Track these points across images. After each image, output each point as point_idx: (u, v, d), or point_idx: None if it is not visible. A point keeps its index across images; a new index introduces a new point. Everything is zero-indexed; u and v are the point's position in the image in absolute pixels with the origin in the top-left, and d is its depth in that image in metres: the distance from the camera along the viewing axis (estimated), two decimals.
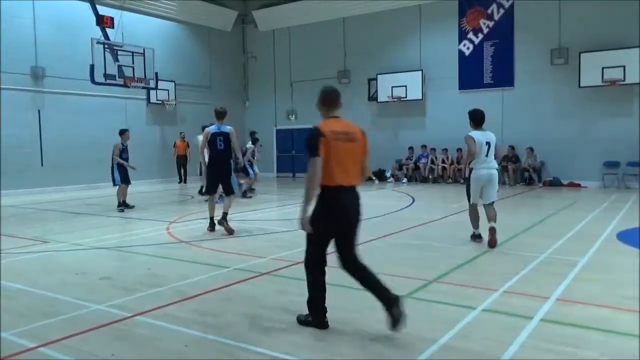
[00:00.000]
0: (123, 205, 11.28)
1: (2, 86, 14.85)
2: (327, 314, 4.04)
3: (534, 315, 4.19)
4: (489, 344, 3.64)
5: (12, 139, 14.92)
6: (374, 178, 17.42)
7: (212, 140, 8.15)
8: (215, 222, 8.38)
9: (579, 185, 15.60)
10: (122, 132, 11.55)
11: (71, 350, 3.65)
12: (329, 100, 4.03)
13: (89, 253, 7.14)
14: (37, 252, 7.20)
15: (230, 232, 8.08)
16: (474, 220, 7.29)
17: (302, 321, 4.10)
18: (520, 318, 4.13)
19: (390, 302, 3.74)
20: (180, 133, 19.25)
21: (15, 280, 5.58)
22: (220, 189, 8.53)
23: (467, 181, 7.22)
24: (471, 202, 7.20)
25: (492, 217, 6.98)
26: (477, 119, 7.05)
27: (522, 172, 16.48)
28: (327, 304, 4.04)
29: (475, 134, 6.95)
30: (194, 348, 3.69)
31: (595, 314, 4.26)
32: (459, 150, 16.79)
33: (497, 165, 7.15)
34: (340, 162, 3.81)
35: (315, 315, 4.03)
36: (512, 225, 8.74)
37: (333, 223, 3.87)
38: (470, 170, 7.05)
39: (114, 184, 11.31)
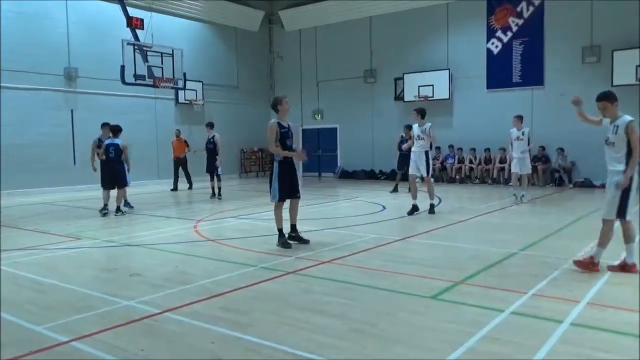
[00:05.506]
0: (105, 209, 10.69)
1: (36, 86, 15.32)
2: (356, 315, 4.30)
3: (565, 319, 4.11)
4: (517, 348, 3.58)
5: (46, 137, 15.36)
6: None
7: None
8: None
9: None
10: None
11: (102, 345, 3.74)
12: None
13: (120, 250, 7.31)
14: (71, 248, 7.39)
15: None
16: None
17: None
18: (550, 322, 4.06)
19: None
20: (176, 130, 16.60)
21: (49, 276, 5.76)
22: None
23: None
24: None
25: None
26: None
27: (552, 173, 16.14)
28: (354, 304, 4.44)
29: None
30: (221, 345, 3.74)
31: (628, 318, 4.15)
32: (487, 150, 16.82)
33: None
34: None
35: None
36: (542, 226, 8.59)
37: None
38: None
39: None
